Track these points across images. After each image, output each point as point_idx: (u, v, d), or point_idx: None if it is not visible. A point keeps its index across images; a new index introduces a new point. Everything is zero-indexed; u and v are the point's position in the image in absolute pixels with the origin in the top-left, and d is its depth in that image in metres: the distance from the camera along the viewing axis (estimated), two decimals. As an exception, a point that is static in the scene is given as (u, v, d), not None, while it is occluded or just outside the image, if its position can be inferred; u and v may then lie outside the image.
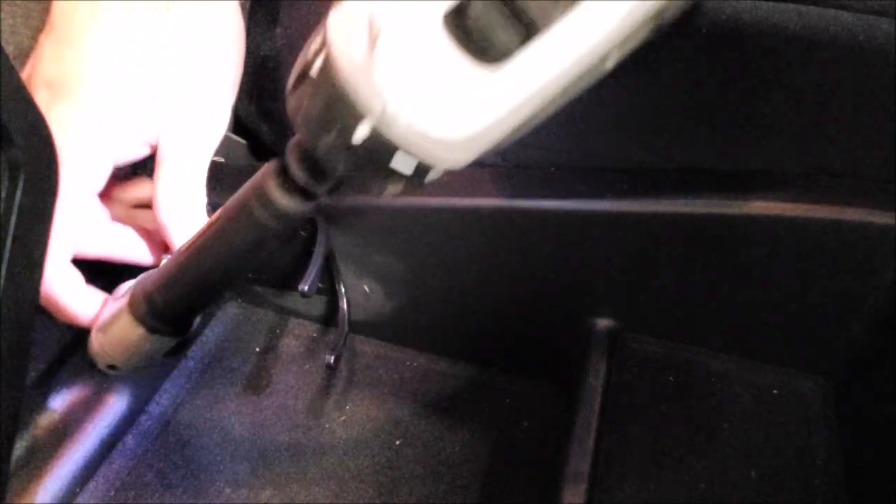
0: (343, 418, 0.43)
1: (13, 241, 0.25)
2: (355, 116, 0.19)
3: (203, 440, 0.42)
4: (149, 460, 0.40)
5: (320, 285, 0.42)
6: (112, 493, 0.38)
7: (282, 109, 0.37)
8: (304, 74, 0.21)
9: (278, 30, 0.35)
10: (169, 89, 0.31)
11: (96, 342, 0.34)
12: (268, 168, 0.24)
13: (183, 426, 0.42)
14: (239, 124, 0.44)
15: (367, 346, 0.47)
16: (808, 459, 0.38)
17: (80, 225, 0.32)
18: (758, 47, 0.31)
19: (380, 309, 0.45)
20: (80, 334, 0.39)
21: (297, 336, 0.48)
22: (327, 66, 0.19)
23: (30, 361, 0.33)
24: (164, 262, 0.30)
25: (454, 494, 0.40)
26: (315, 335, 0.48)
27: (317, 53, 0.20)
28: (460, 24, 0.17)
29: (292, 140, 0.23)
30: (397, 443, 0.42)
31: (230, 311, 0.49)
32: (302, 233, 0.41)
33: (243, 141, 0.44)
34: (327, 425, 0.43)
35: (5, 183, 0.24)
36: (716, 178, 0.36)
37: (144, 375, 0.43)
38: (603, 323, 0.42)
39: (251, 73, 0.38)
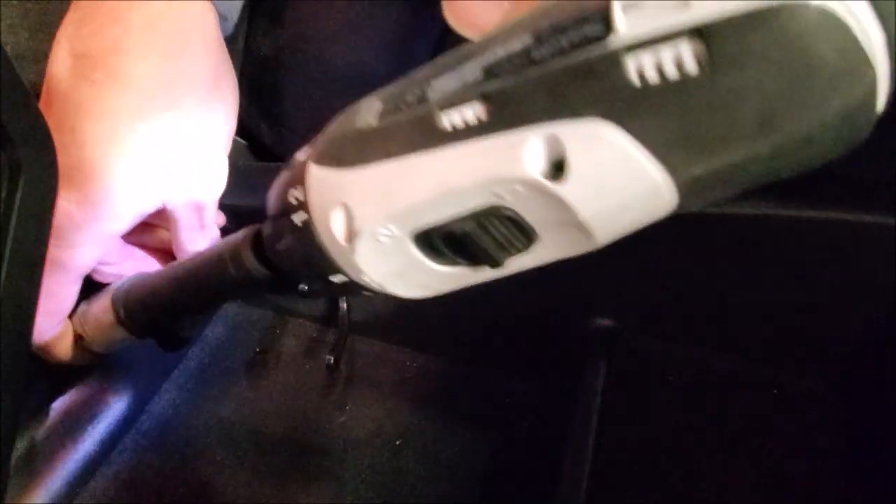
0: (343, 418, 0.43)
1: (13, 241, 0.25)
2: (333, 268, 0.22)
3: (203, 440, 0.42)
4: (149, 460, 0.40)
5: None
6: (112, 493, 0.38)
7: (282, 110, 0.37)
8: (284, 212, 0.23)
9: (278, 30, 0.35)
10: (170, 169, 0.31)
11: (80, 312, 0.35)
12: (247, 231, 0.27)
13: (183, 426, 0.42)
14: (239, 124, 0.44)
15: (367, 346, 0.47)
16: (808, 459, 0.38)
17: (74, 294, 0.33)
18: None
19: (380, 309, 0.45)
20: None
21: (297, 336, 0.48)
22: (311, 231, 0.22)
23: (30, 361, 0.33)
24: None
25: (454, 494, 0.40)
26: (315, 335, 0.48)
27: (299, 206, 0.22)
28: (426, 241, 0.20)
29: (266, 230, 0.25)
30: (397, 443, 0.42)
31: (230, 311, 0.49)
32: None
33: (243, 141, 0.44)
34: (327, 425, 0.43)
35: (5, 183, 0.24)
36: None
37: (144, 376, 0.43)
38: (603, 323, 0.42)
39: (251, 74, 0.38)
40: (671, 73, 0.14)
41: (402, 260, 0.21)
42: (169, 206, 0.33)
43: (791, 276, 0.37)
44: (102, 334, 0.34)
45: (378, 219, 0.20)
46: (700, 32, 0.13)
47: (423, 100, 0.19)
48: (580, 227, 0.17)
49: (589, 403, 0.39)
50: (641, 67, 0.14)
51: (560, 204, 0.17)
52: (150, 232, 0.38)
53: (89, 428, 0.38)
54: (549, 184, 0.16)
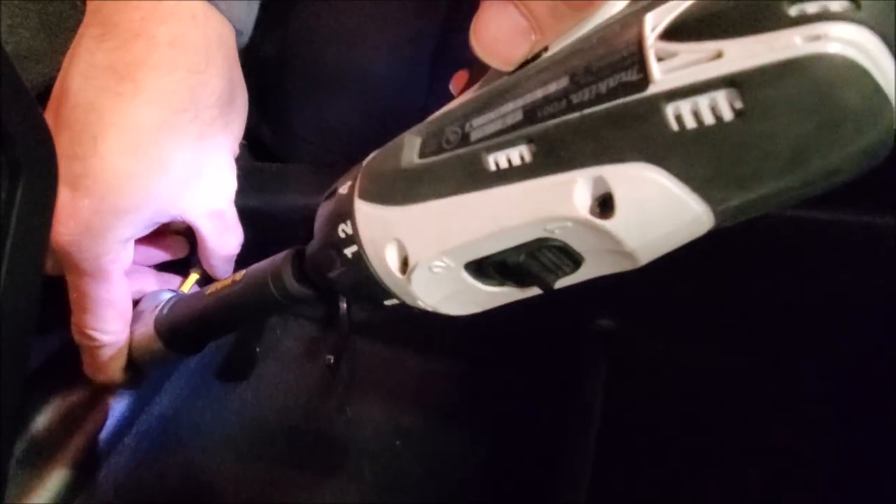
0: (343, 419, 0.43)
1: (13, 241, 0.25)
2: (388, 295, 0.24)
3: (203, 440, 0.42)
4: (149, 460, 0.40)
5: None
6: (112, 493, 0.38)
7: (282, 111, 0.37)
8: (333, 244, 0.24)
9: (280, 31, 0.35)
10: (188, 178, 0.32)
11: None
12: (287, 255, 0.29)
13: (183, 426, 0.42)
14: (239, 125, 0.44)
15: (367, 347, 0.47)
16: (807, 459, 0.38)
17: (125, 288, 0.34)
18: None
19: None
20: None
21: (297, 336, 0.48)
22: (363, 263, 0.23)
23: (29, 361, 0.33)
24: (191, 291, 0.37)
25: (454, 494, 0.40)
26: (315, 335, 0.48)
27: (349, 240, 0.23)
28: (478, 268, 0.21)
29: (313, 256, 0.27)
30: (397, 443, 0.42)
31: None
32: (301, 234, 0.41)
33: (244, 141, 0.44)
34: (327, 426, 0.43)
35: (5, 183, 0.24)
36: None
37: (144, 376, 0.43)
38: (603, 323, 0.42)
39: (251, 74, 0.38)
40: (708, 119, 0.15)
41: (455, 285, 0.22)
42: (190, 219, 0.34)
43: (791, 276, 0.37)
44: (149, 355, 0.36)
45: (432, 254, 0.21)
46: (734, 81, 0.14)
47: (465, 139, 0.20)
48: (626, 255, 0.19)
49: (589, 403, 0.39)
50: (679, 114, 0.15)
51: (608, 236, 0.18)
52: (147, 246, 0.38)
53: (89, 428, 0.38)
54: (598, 221, 0.17)
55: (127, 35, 0.29)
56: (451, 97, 0.30)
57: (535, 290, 0.22)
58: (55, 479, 0.36)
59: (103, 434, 0.39)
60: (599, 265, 0.20)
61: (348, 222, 0.23)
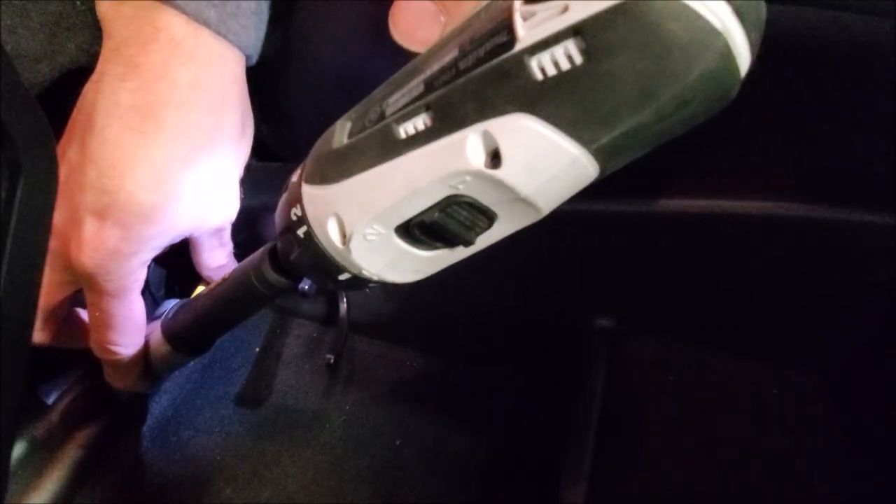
0: (343, 418, 0.43)
1: (13, 241, 0.25)
2: (338, 268, 0.26)
3: (203, 440, 0.42)
4: (149, 460, 0.40)
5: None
6: (112, 493, 0.38)
7: (281, 110, 0.37)
8: (289, 228, 0.27)
9: (278, 31, 0.36)
10: (203, 205, 0.35)
11: None
12: (265, 249, 0.31)
13: (183, 426, 0.42)
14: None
15: (367, 346, 0.47)
16: (806, 459, 0.38)
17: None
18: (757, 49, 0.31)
19: (380, 309, 0.45)
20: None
21: (297, 336, 0.48)
22: (313, 241, 0.26)
23: (30, 361, 0.33)
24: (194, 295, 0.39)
25: (454, 494, 0.40)
26: (315, 335, 0.48)
27: (300, 221, 0.26)
28: (406, 232, 0.24)
29: (278, 245, 0.29)
30: (397, 443, 0.42)
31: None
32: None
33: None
34: (327, 425, 0.43)
35: (5, 183, 0.24)
36: (715, 178, 0.36)
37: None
38: (603, 323, 0.42)
39: (251, 74, 0.38)
40: (564, 65, 0.17)
41: (391, 251, 0.25)
42: (195, 236, 0.37)
43: (791, 275, 0.37)
44: (160, 359, 0.38)
45: (363, 221, 0.24)
46: (578, 30, 0.17)
47: (382, 116, 0.22)
48: (525, 202, 0.21)
49: (589, 403, 0.39)
50: (542, 65, 0.18)
51: (503, 186, 0.20)
52: None
53: (89, 428, 0.39)
54: (490, 171, 0.20)
55: (149, 77, 0.31)
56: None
57: (464, 252, 0.24)
58: (55, 479, 0.36)
59: (103, 434, 0.39)
60: (510, 217, 0.22)
61: (297, 206, 0.26)
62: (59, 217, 0.32)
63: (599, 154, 0.19)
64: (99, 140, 0.31)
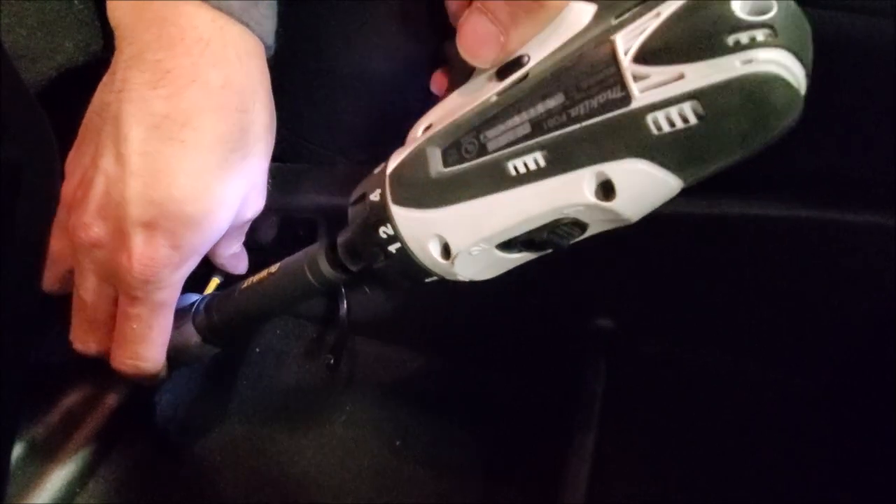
0: (343, 418, 0.43)
1: (13, 241, 0.25)
2: (430, 276, 0.30)
3: (203, 440, 0.42)
4: (149, 460, 0.40)
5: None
6: (112, 493, 0.38)
7: (286, 110, 0.37)
8: (376, 243, 0.30)
9: (279, 30, 0.35)
10: (240, 204, 0.35)
11: None
12: (321, 246, 0.34)
13: (183, 426, 0.42)
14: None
15: (367, 346, 0.47)
16: (806, 459, 0.38)
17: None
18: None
19: (380, 309, 0.45)
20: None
21: (297, 336, 0.48)
22: (407, 255, 0.29)
23: (30, 361, 0.33)
24: (223, 289, 0.40)
25: (454, 494, 0.40)
26: (315, 335, 0.48)
27: (391, 239, 0.29)
28: (506, 245, 0.27)
29: (345, 237, 0.33)
30: (397, 443, 0.42)
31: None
32: (300, 233, 0.42)
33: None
34: (327, 425, 0.43)
35: (5, 183, 0.24)
36: (715, 179, 0.36)
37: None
38: (603, 323, 0.42)
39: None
40: (679, 123, 0.21)
41: (488, 259, 0.28)
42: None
43: (791, 276, 0.37)
44: (185, 353, 0.38)
45: (471, 243, 0.27)
46: (694, 95, 0.20)
47: (483, 149, 0.26)
48: (623, 220, 0.24)
49: (589, 403, 0.39)
50: (657, 121, 0.21)
51: (612, 212, 0.24)
52: None
53: (89, 428, 0.38)
54: (604, 204, 0.23)
55: (181, 82, 0.30)
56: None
57: (547, 251, 0.28)
58: (55, 479, 0.36)
59: (103, 434, 0.39)
60: (601, 226, 0.26)
61: (388, 225, 0.29)
62: (102, 230, 0.32)
63: (690, 181, 0.23)
64: (138, 152, 0.31)
